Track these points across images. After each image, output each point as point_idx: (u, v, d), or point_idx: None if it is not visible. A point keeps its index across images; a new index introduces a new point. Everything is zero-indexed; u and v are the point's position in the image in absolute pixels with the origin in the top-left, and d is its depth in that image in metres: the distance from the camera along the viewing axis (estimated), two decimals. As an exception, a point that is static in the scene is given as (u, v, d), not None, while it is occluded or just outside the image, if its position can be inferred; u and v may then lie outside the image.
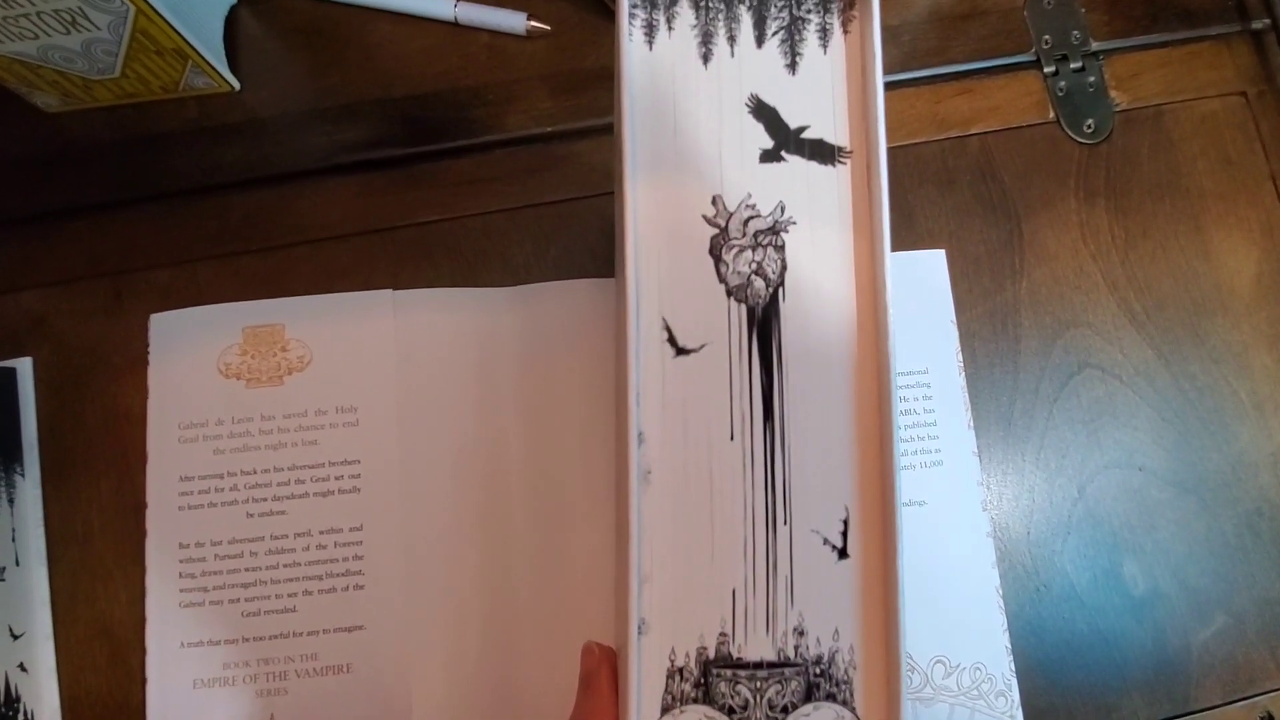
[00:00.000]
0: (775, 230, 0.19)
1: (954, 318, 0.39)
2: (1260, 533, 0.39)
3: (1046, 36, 0.42)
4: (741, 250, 0.19)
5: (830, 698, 0.18)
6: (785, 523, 0.18)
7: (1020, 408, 0.39)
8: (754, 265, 0.19)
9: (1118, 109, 0.42)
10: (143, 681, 0.35)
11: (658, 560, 0.18)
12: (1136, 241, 0.41)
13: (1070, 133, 0.41)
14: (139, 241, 0.39)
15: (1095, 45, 0.42)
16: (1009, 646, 0.37)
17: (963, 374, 0.39)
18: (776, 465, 0.19)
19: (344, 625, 0.35)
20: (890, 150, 0.42)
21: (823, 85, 0.20)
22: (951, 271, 0.40)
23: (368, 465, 0.36)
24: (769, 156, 0.20)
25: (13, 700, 0.34)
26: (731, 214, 0.19)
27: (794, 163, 0.20)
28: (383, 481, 0.35)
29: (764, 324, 0.19)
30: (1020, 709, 0.36)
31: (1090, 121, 0.41)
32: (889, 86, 0.43)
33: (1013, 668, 0.36)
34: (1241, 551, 0.39)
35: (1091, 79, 0.42)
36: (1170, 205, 0.41)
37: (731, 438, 0.19)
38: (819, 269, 0.19)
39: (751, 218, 0.19)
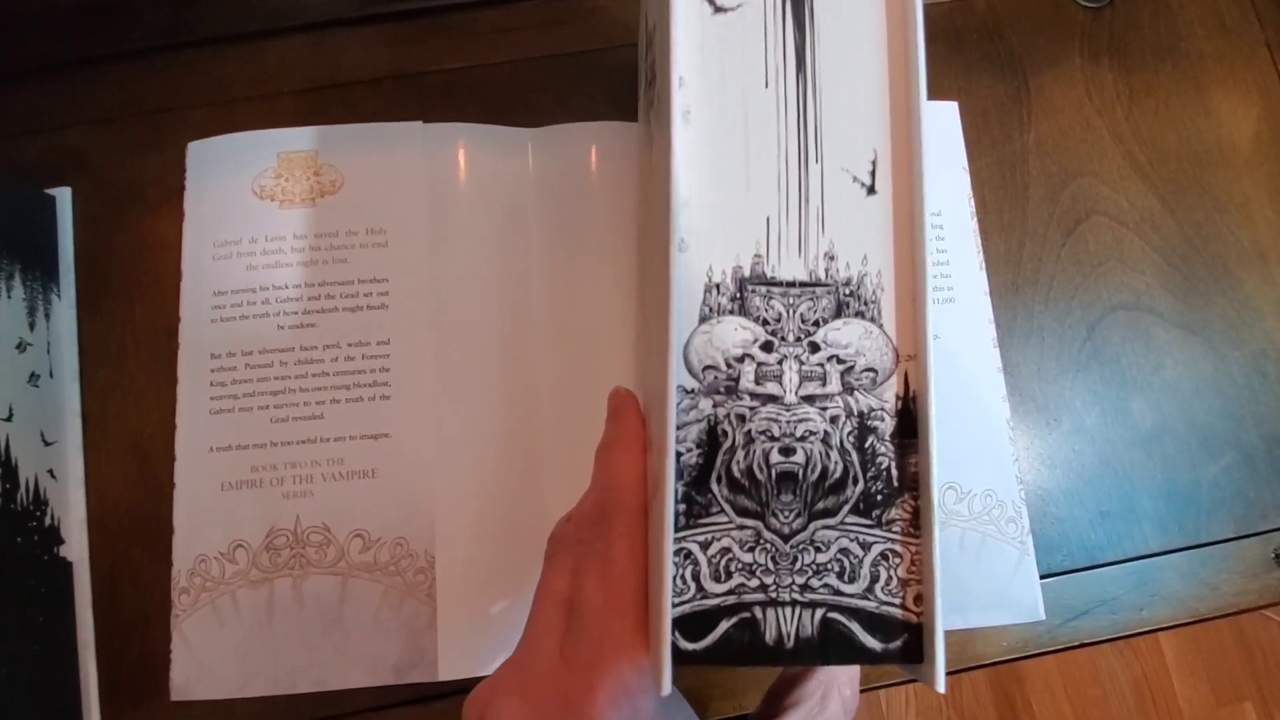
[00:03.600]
0: (808, -89, 0.21)
1: (966, 165, 0.41)
2: (1267, 374, 0.40)
3: (1051, -89, 0.44)
4: (776, -73, 0.21)
5: (859, 315, 0.19)
6: (817, 161, 0.19)
7: (1029, 251, 0.40)
8: (788, -61, 0.20)
9: (1120, -23, 0.43)
10: (170, 489, 0.35)
11: (696, 189, 0.19)
12: (1140, 98, 0.42)
13: (1074, -3, 0.43)
14: (178, 83, 0.41)
15: (1097, -80, 0.44)
16: (1019, 476, 0.37)
17: (974, 219, 0.40)
18: (808, 111, 0.20)
19: (370, 433, 0.35)
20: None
21: None
22: (962, 123, 0.41)
23: (396, 283, 0.37)
24: None
25: (40, 503, 0.35)
26: (766, -104, 0.21)
27: None
28: (410, 299, 0.36)
29: (796, -10, 0.20)
30: (1030, 535, 0.37)
31: (1093, -12, 0.43)
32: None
33: (1022, 495, 0.37)
34: (1249, 391, 0.39)
35: (1094, -49, 0.44)
36: (1171, 66, 0.43)
37: (766, 85, 0.20)
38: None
39: (785, -101, 0.21)
